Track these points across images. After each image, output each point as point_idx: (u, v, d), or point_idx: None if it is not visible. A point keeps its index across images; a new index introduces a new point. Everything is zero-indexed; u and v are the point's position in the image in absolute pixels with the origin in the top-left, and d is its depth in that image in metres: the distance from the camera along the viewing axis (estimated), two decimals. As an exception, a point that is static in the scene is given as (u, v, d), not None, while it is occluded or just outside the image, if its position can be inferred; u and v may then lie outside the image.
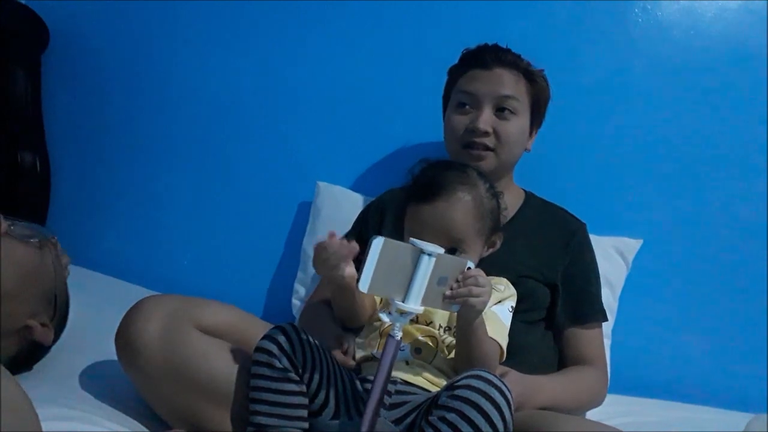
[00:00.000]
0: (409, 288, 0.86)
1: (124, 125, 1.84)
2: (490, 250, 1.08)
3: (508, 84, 1.25)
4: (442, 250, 0.88)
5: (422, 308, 0.87)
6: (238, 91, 1.73)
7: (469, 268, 0.90)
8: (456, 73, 1.32)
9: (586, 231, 1.32)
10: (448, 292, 0.88)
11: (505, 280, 1.10)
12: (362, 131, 1.66)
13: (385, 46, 1.64)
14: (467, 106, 1.27)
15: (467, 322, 0.92)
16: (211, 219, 1.75)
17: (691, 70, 1.53)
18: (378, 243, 0.85)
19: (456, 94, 1.30)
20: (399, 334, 0.86)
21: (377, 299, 1.08)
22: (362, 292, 0.86)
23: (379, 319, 1.02)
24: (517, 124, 1.26)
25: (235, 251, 1.72)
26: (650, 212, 1.54)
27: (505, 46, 1.29)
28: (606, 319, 1.29)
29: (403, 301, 0.86)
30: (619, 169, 1.55)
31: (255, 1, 1.70)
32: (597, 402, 1.23)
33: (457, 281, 0.89)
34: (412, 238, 0.89)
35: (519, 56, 1.28)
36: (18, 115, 1.84)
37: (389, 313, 0.88)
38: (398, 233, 1.08)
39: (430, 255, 0.87)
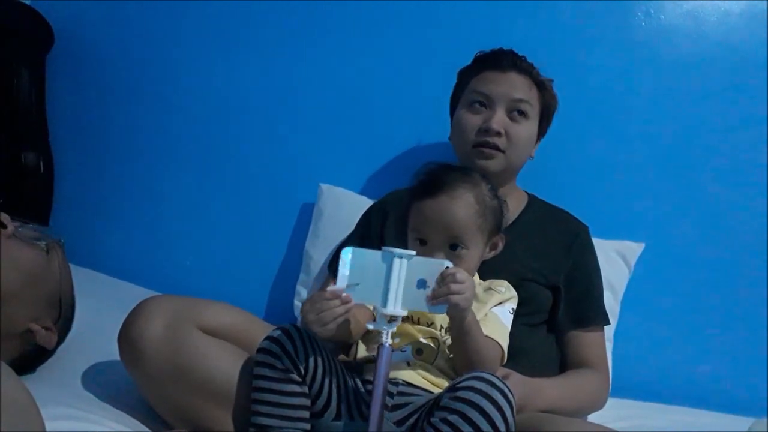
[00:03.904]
0: (387, 292, 0.87)
1: (127, 126, 1.84)
2: (492, 252, 1.09)
3: (522, 88, 1.25)
4: (414, 253, 0.89)
5: (404, 311, 0.88)
6: (242, 92, 1.74)
7: (447, 267, 0.90)
8: (468, 74, 1.32)
9: (588, 233, 1.32)
10: (429, 293, 0.89)
11: (505, 283, 1.10)
12: (365, 133, 1.66)
13: (389, 48, 1.64)
14: (480, 106, 1.26)
15: (458, 321, 0.93)
16: (214, 220, 1.75)
17: (693, 73, 1.53)
18: (346, 253, 0.88)
19: (468, 94, 1.29)
20: (388, 341, 0.87)
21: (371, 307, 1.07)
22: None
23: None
24: (527, 128, 1.26)
25: (238, 252, 1.72)
26: (652, 216, 1.55)
27: (521, 54, 1.29)
28: (608, 323, 1.29)
29: (383, 306, 0.87)
30: (622, 173, 1.55)
31: (259, 2, 1.71)
32: (599, 405, 1.23)
33: (437, 282, 0.89)
34: (384, 246, 0.90)
35: (532, 65, 1.29)
36: (22, 115, 1.84)
37: (375, 321, 0.89)
38: (401, 234, 1.09)
39: (401, 258, 0.88)
